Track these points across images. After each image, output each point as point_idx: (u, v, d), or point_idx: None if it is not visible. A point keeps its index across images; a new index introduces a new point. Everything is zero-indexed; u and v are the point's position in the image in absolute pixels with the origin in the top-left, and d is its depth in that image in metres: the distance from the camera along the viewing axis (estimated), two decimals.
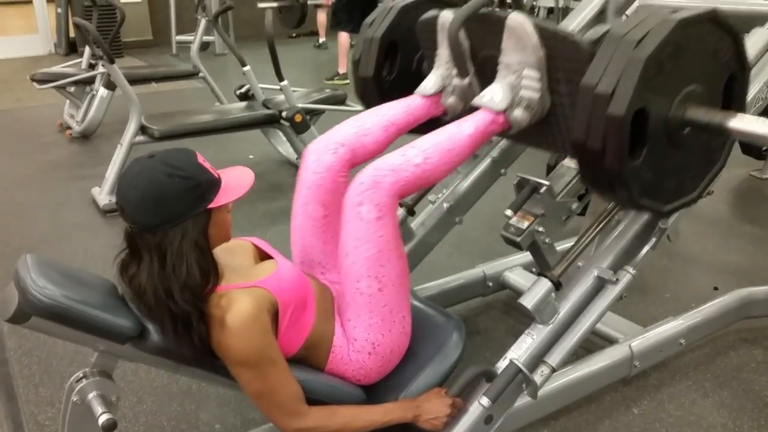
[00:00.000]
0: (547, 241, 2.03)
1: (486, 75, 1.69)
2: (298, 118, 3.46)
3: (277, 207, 3.47)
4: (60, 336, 1.32)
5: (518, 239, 1.98)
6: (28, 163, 4.36)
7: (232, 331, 1.31)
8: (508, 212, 1.99)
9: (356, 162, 1.68)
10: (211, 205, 1.32)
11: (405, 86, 1.89)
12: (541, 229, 1.99)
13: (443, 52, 1.73)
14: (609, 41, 1.36)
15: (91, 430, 1.39)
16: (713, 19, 1.37)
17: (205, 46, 8.44)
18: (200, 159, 1.34)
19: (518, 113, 1.58)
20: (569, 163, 2.08)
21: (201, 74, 4.94)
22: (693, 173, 1.53)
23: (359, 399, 1.59)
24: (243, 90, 4.01)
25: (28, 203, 3.65)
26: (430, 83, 1.76)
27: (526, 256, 2.51)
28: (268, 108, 3.71)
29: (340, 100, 3.85)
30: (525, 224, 1.99)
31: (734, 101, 1.49)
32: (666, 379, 2.06)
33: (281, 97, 3.71)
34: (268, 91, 4.00)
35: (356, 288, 1.52)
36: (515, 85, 1.57)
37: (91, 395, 1.37)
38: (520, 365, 1.55)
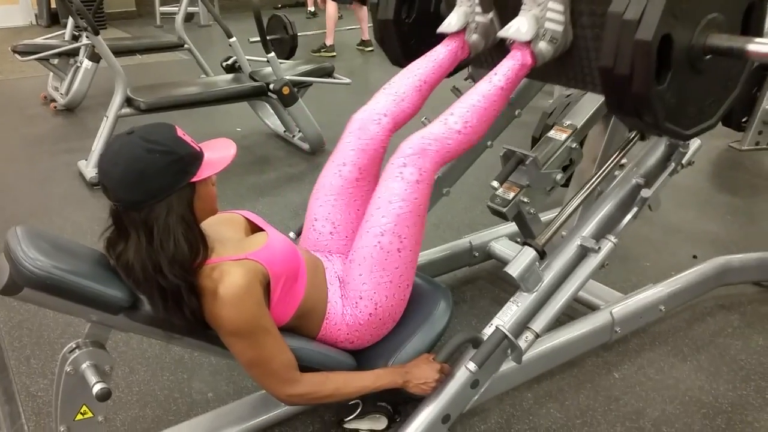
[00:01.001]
0: (532, 211, 2.07)
1: (507, 11, 1.75)
2: (286, 90, 3.45)
3: (265, 180, 3.48)
4: (52, 307, 1.34)
5: (504, 210, 2.01)
6: (13, 136, 4.33)
7: (225, 301, 1.34)
8: (495, 183, 2.02)
9: (398, 127, 1.80)
10: (194, 179, 1.32)
11: (424, 28, 1.96)
12: (526, 199, 2.02)
13: None
14: None
15: (85, 400, 1.43)
16: None
17: (189, 18, 8.35)
18: (180, 132, 1.33)
19: (543, 45, 1.64)
20: (554, 135, 2.10)
21: (186, 46, 4.90)
22: (712, 99, 1.57)
23: (350, 366, 1.63)
24: (229, 62, 3.99)
25: (15, 177, 3.64)
26: (453, 20, 1.82)
27: (511, 227, 2.56)
28: (256, 80, 3.70)
29: (328, 72, 3.84)
30: (511, 195, 2.02)
31: (752, 28, 1.53)
32: (646, 344, 2.13)
33: (268, 70, 3.70)
34: (254, 64, 3.99)
35: (378, 242, 1.57)
36: (540, 17, 1.63)
37: (84, 365, 1.40)
38: (506, 331, 1.60)
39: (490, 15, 1.78)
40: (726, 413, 1.83)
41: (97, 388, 1.34)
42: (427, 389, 1.58)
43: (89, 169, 3.48)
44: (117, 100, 3.43)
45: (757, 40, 1.40)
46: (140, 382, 1.97)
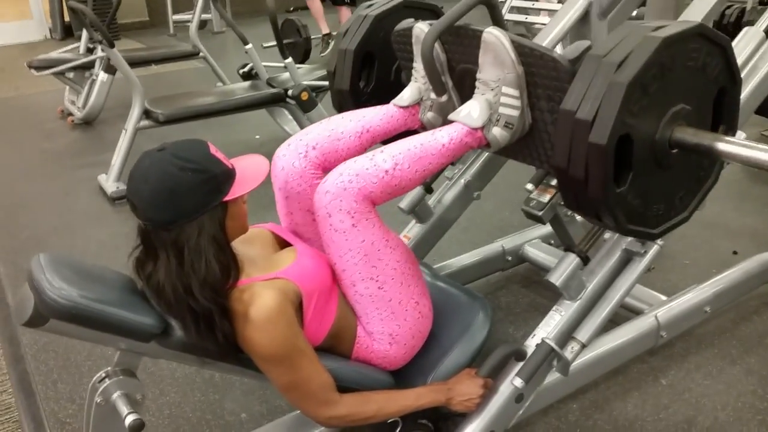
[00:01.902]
0: (569, 213, 1.99)
1: (465, 89, 1.61)
2: (305, 95, 3.40)
3: None
4: (80, 337, 1.29)
5: (540, 213, 1.92)
6: (32, 152, 4.32)
7: (257, 326, 1.28)
8: (529, 186, 1.93)
9: (328, 167, 1.53)
10: (226, 198, 1.28)
11: (383, 97, 1.78)
12: (562, 201, 1.94)
13: (420, 66, 1.62)
14: (588, 62, 1.26)
15: (117, 431, 1.38)
16: (701, 33, 1.25)
17: (202, 25, 8.33)
18: (213, 150, 1.29)
19: (497, 131, 1.49)
20: None
21: (201, 54, 4.87)
22: (683, 193, 1.43)
23: (388, 384, 1.57)
24: (246, 69, 3.95)
25: (35, 193, 3.62)
26: (406, 95, 1.65)
27: (543, 229, 2.48)
28: (273, 87, 3.65)
29: None
30: (546, 197, 1.93)
31: (725, 117, 1.39)
32: (692, 347, 2.04)
33: (286, 75, 3.65)
34: (271, 70, 3.94)
35: (355, 292, 1.48)
36: (493, 102, 1.48)
37: (115, 395, 1.36)
38: (553, 344, 1.53)
39: (444, 98, 1.61)
40: None
41: (129, 420, 1.29)
42: (471, 406, 1.52)
43: (110, 183, 3.45)
44: (135, 112, 3.39)
45: (727, 138, 1.27)
46: (171, 404, 1.92)
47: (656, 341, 1.93)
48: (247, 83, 3.89)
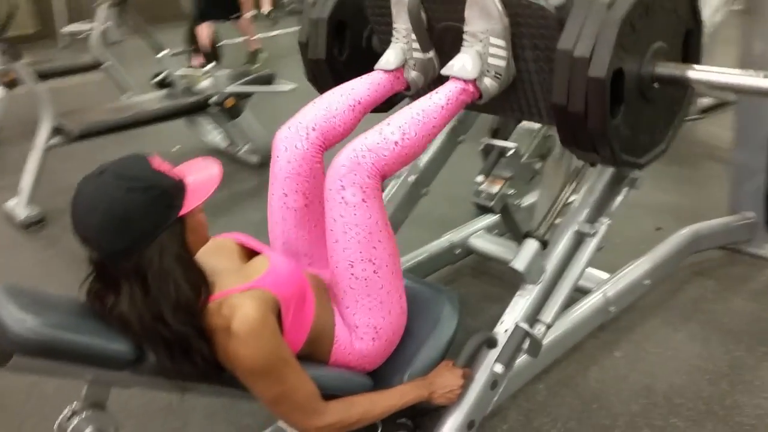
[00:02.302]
0: (516, 202, 2.07)
1: (445, 47, 1.66)
2: (230, 102, 3.32)
3: (218, 199, 3.15)
4: (46, 372, 1.21)
5: (491, 204, 2.00)
6: None
7: (241, 339, 1.24)
8: (480, 178, 2.00)
9: (328, 145, 1.62)
10: (182, 212, 1.22)
11: (357, 64, 1.84)
12: (511, 191, 2.01)
13: (401, 27, 1.68)
14: (580, 5, 1.36)
15: None
16: None
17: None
18: (156, 163, 1.22)
19: (488, 81, 1.57)
20: (528, 125, 2.11)
21: (106, 64, 4.66)
22: (662, 125, 1.58)
23: (369, 387, 1.56)
24: (160, 78, 3.80)
25: None
26: (391, 58, 1.71)
27: (486, 220, 2.56)
28: (193, 95, 3.54)
29: (268, 80, 3.72)
30: (496, 188, 2.01)
31: (692, 54, 1.55)
32: (636, 319, 2.17)
33: (205, 83, 3.55)
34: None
35: (351, 274, 1.48)
36: (483, 53, 1.55)
37: (87, 431, 1.28)
38: (526, 327, 1.58)
39: (430, 54, 1.68)
40: (727, 376, 1.89)
41: None
42: (453, 397, 1.54)
43: (21, 209, 3.22)
44: (44, 129, 3.18)
45: (697, 67, 1.44)
46: None
47: (606, 316, 2.04)
48: (162, 92, 3.75)
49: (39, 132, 3.26)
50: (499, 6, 1.50)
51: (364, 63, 1.79)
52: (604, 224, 1.73)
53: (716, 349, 1.99)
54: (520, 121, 2.15)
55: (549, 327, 1.65)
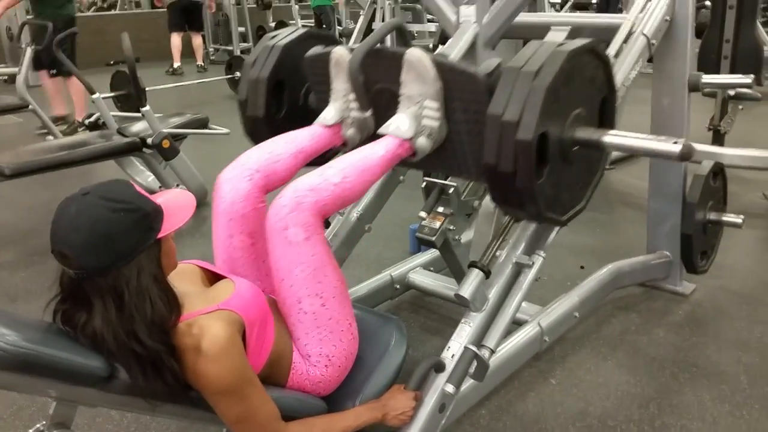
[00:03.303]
0: (456, 237, 2.18)
1: (381, 107, 1.76)
2: (166, 143, 3.33)
3: None
4: (16, 388, 1.21)
5: (433, 238, 2.10)
6: None
7: (211, 358, 1.27)
8: (423, 214, 2.10)
9: (270, 188, 1.66)
10: (159, 235, 1.26)
11: (294, 121, 1.91)
12: (452, 227, 2.13)
13: (339, 86, 1.77)
14: (508, 73, 1.49)
15: None
16: (592, 49, 1.56)
17: (12, 79, 7.75)
18: (137, 188, 1.29)
19: (422, 141, 1.66)
20: None
21: (30, 107, 4.57)
22: (581, 184, 1.70)
23: (323, 410, 1.59)
24: (92, 119, 3.77)
25: None
26: (329, 115, 1.78)
27: (420, 258, 2.67)
28: (126, 136, 3.52)
29: (203, 124, 3.76)
30: (437, 224, 2.11)
31: (606, 118, 1.69)
32: (568, 349, 2.29)
33: (139, 125, 3.54)
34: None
35: (299, 309, 1.53)
36: (418, 114, 1.65)
37: None
38: (475, 349, 1.66)
39: (368, 113, 1.77)
40: (654, 399, 2.02)
41: None
42: (406, 419, 1.60)
43: None
44: None
45: (612, 132, 1.59)
46: None
47: (541, 346, 2.15)
48: (95, 133, 3.71)
49: None
50: (433, 71, 1.61)
51: (301, 120, 1.87)
52: (540, 256, 1.86)
53: (643, 376, 2.13)
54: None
55: (493, 352, 1.74)
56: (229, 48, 9.43)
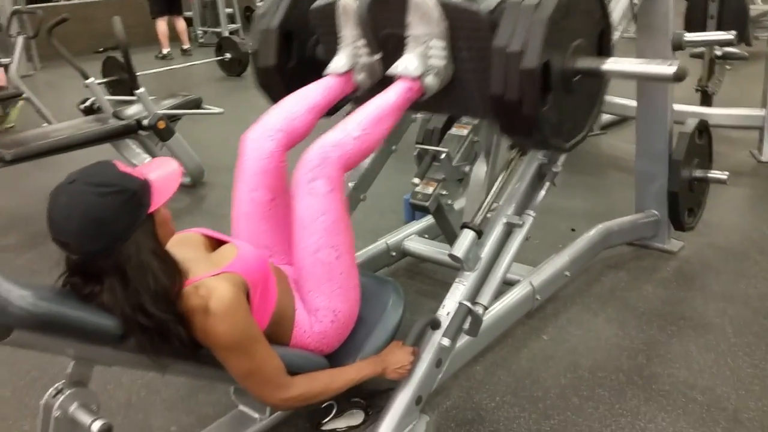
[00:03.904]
0: (449, 202, 2.25)
1: (388, 52, 1.85)
2: (162, 124, 3.38)
3: None
4: (37, 347, 1.27)
5: (426, 203, 2.17)
6: None
7: (219, 316, 1.34)
8: (416, 180, 2.17)
9: (290, 145, 1.78)
10: (150, 210, 1.30)
11: (303, 72, 2.00)
12: (444, 192, 2.20)
13: (348, 33, 1.86)
14: (510, 8, 1.59)
15: None
16: None
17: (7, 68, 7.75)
18: (121, 167, 1.31)
19: (430, 79, 1.76)
20: (457, 132, 2.30)
21: (25, 95, 4.60)
22: (582, 114, 1.81)
23: (325, 366, 1.67)
24: (87, 104, 3.81)
25: None
26: (341, 62, 1.88)
27: (417, 226, 2.74)
28: (121, 119, 3.57)
29: (196, 104, 3.80)
30: (430, 189, 2.18)
31: (604, 50, 1.79)
32: (560, 307, 2.38)
33: (134, 108, 3.59)
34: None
35: (316, 258, 1.61)
36: (425, 54, 1.75)
37: (72, 407, 1.35)
38: (469, 305, 1.74)
39: (378, 56, 1.86)
40: (643, 351, 2.11)
41: (97, 426, 1.30)
42: (404, 372, 1.68)
43: None
44: None
45: (611, 59, 1.69)
46: None
47: (533, 304, 2.23)
48: (90, 117, 3.75)
49: None
50: (438, 11, 1.69)
51: (310, 71, 1.96)
52: (530, 216, 1.94)
53: (632, 330, 2.22)
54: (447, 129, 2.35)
55: (486, 309, 1.81)
56: (218, 30, 9.40)
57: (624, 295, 2.44)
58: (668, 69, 1.60)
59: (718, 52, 4.47)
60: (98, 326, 1.26)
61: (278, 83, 2.01)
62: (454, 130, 2.31)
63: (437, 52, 1.73)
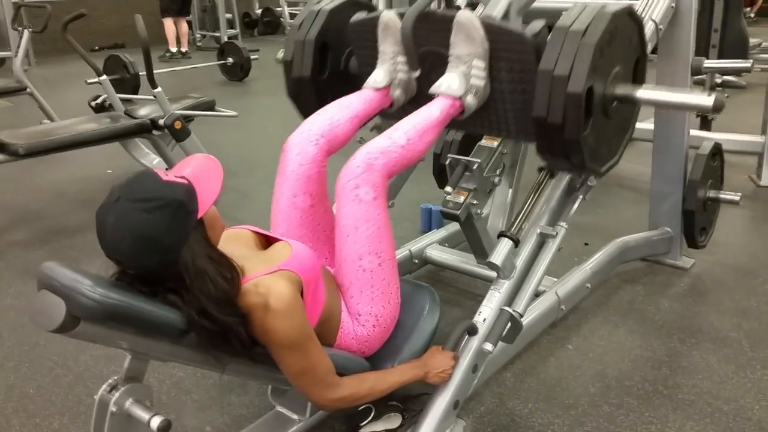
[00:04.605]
0: (478, 212, 2.27)
1: (425, 68, 1.87)
2: (178, 125, 3.38)
3: None
4: (99, 340, 1.27)
5: (458, 212, 2.19)
6: None
7: (278, 314, 1.35)
8: (448, 189, 2.19)
9: (331, 152, 1.78)
10: (199, 215, 1.28)
11: (335, 85, 2.02)
12: (475, 201, 2.22)
13: (387, 49, 1.87)
14: (557, 32, 1.61)
15: None
16: (631, 13, 1.70)
17: (1, 62, 7.67)
18: (163, 176, 1.28)
19: (470, 99, 1.78)
20: (486, 143, 2.33)
21: (28, 90, 4.56)
22: (616, 140, 1.84)
23: (366, 368, 1.69)
24: (99, 101, 3.79)
25: None
26: (379, 77, 1.89)
27: (438, 235, 2.77)
28: (134, 117, 3.56)
29: (210, 107, 3.81)
30: (461, 198, 2.20)
31: (639, 78, 1.83)
32: (581, 319, 2.41)
33: (148, 107, 3.58)
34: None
35: (359, 266, 1.62)
36: (467, 74, 1.77)
37: (128, 403, 1.34)
38: (511, 311, 1.76)
39: (416, 73, 1.88)
40: (666, 362, 2.15)
41: (157, 422, 1.29)
42: (445, 377, 1.70)
43: None
44: None
45: (648, 87, 1.75)
46: None
47: (558, 314, 2.26)
48: (102, 115, 3.73)
49: None
50: (482, 32, 1.72)
51: (341, 83, 1.99)
52: (563, 227, 1.97)
53: (653, 341, 2.26)
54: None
55: (521, 316, 1.85)
56: (216, 34, 9.41)
57: (642, 308, 2.49)
58: (707, 100, 1.65)
59: (718, 80, 4.59)
60: (164, 320, 1.26)
61: (310, 94, 2.03)
62: (484, 142, 2.34)
63: (478, 72, 1.76)
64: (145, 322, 1.24)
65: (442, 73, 1.81)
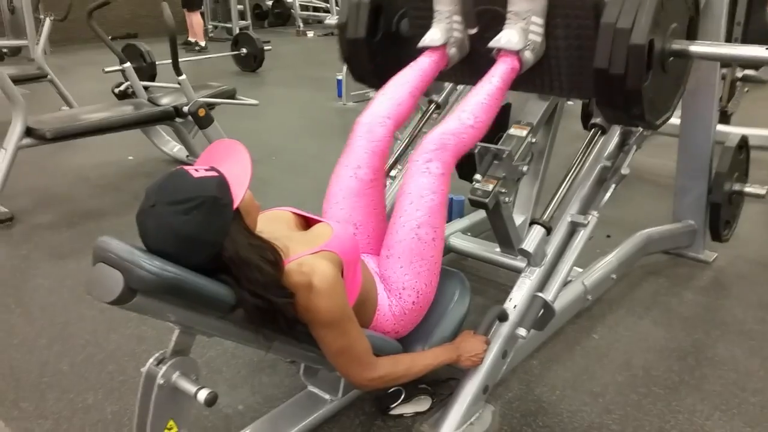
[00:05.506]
0: (507, 200, 2.28)
1: (481, 27, 1.97)
2: (202, 112, 3.40)
3: None
4: (152, 313, 1.28)
5: (486, 200, 2.20)
6: None
7: (322, 293, 1.37)
8: (477, 177, 2.20)
9: (397, 128, 1.93)
10: (235, 206, 1.29)
11: (386, 46, 2.11)
12: (503, 189, 2.23)
13: (443, 8, 1.97)
14: None
15: (172, 414, 1.39)
16: None
17: (16, 51, 7.68)
18: (194, 172, 1.28)
19: (527, 54, 1.86)
20: (515, 132, 2.34)
21: (49, 77, 4.60)
22: (670, 94, 1.90)
23: (399, 350, 1.71)
24: (122, 88, 3.82)
25: None
26: (436, 36, 1.99)
27: (461, 224, 2.79)
28: (157, 105, 3.58)
29: (231, 95, 3.83)
30: (490, 187, 2.21)
31: (692, 35, 1.90)
32: (605, 309, 2.42)
33: (172, 95, 3.61)
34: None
35: (416, 234, 1.67)
36: (525, 29, 1.84)
37: (175, 376, 1.36)
38: (545, 297, 1.77)
39: (473, 31, 1.96)
40: (691, 353, 2.16)
41: (203, 394, 1.31)
42: (477, 361, 1.72)
43: None
44: (17, 129, 3.14)
45: (706, 43, 1.81)
46: None
47: (584, 303, 2.28)
48: (126, 101, 3.76)
49: (11, 133, 3.22)
50: None
51: (392, 45, 2.08)
52: (594, 216, 1.98)
53: (678, 333, 2.27)
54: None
55: (552, 303, 1.86)
56: (228, 25, 9.42)
57: (666, 300, 2.50)
58: (765, 53, 1.68)
59: (739, 74, 4.57)
60: (216, 295, 1.27)
61: (364, 55, 2.13)
62: (513, 131, 2.35)
63: (536, 29, 1.83)
64: (198, 296, 1.25)
65: (496, 31, 1.89)
